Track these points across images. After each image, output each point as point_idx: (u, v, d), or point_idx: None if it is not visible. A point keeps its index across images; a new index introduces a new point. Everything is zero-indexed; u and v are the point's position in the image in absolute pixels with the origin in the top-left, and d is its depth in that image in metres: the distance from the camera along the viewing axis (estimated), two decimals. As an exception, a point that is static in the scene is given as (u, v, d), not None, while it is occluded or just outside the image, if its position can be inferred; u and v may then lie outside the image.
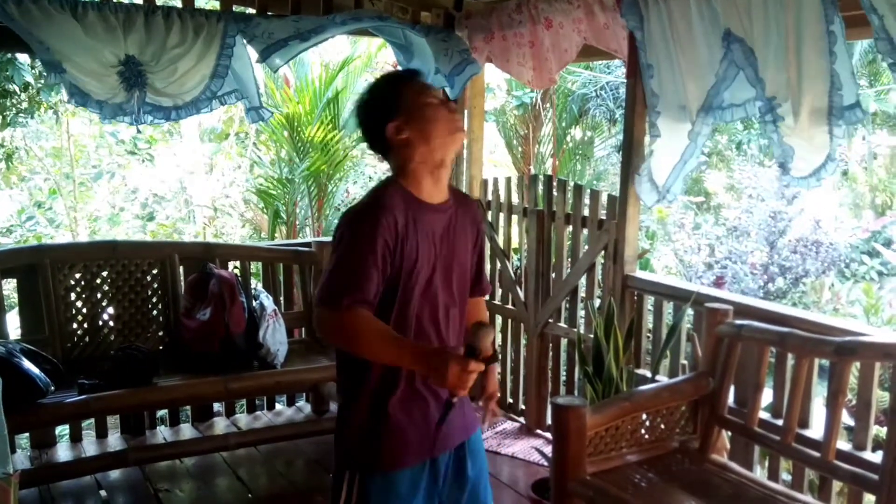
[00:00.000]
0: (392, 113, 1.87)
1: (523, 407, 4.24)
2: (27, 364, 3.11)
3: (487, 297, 2.15)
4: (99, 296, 3.80)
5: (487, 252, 3.37)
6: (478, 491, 2.06)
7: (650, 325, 3.56)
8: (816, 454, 2.45)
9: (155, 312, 3.92)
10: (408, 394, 1.89)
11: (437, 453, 1.95)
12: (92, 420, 4.00)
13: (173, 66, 3.40)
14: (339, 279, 1.78)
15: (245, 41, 3.54)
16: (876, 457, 2.42)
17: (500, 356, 2.29)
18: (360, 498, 1.89)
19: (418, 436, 1.90)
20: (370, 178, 9.04)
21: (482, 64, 4.13)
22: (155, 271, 3.92)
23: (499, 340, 2.27)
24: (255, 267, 4.97)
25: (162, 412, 4.38)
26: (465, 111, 4.44)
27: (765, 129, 2.64)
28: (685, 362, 3.28)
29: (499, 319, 4.33)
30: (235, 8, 3.68)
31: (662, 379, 3.14)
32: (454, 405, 1.74)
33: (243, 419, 4.32)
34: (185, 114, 3.54)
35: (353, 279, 1.76)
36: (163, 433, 4.11)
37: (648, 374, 3.21)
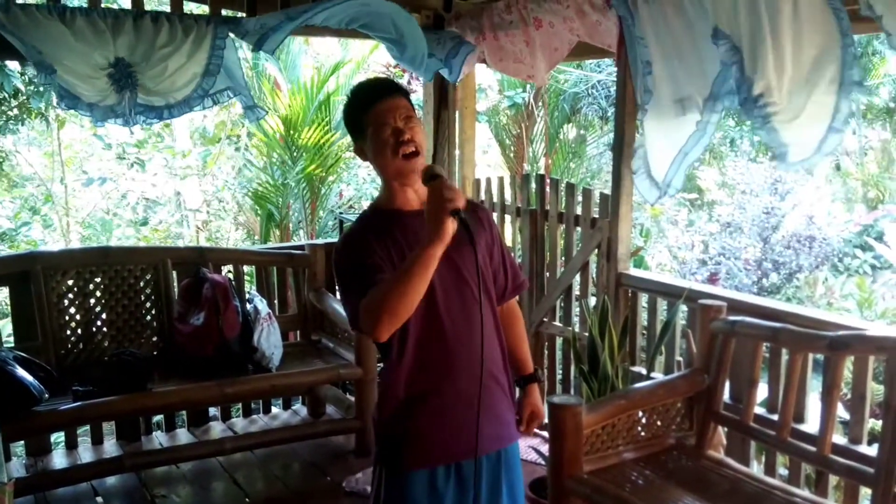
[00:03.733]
0: (357, 134, 1.97)
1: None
2: (21, 372, 3.10)
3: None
4: (92, 302, 3.79)
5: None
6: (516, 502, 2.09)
7: (645, 323, 3.56)
8: (812, 448, 2.46)
9: (149, 318, 3.91)
10: (432, 400, 1.94)
11: (462, 459, 1.96)
12: (87, 427, 3.98)
13: (163, 64, 3.38)
14: (350, 298, 1.88)
15: (238, 38, 3.53)
16: (872, 450, 2.42)
17: (542, 378, 2.32)
18: (384, 492, 1.99)
19: (439, 440, 1.95)
20: (363, 179, 9.03)
21: (475, 64, 4.12)
22: (148, 276, 3.90)
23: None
24: (249, 270, 4.96)
25: (157, 417, 4.37)
26: (457, 112, 4.44)
27: (754, 124, 2.62)
28: (680, 359, 3.28)
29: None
30: (224, 12, 3.67)
31: (658, 376, 3.14)
32: (464, 216, 1.74)
33: (239, 423, 4.31)
34: (177, 112, 3.52)
35: (359, 286, 1.83)
36: (158, 438, 4.09)
37: (644, 372, 3.21)
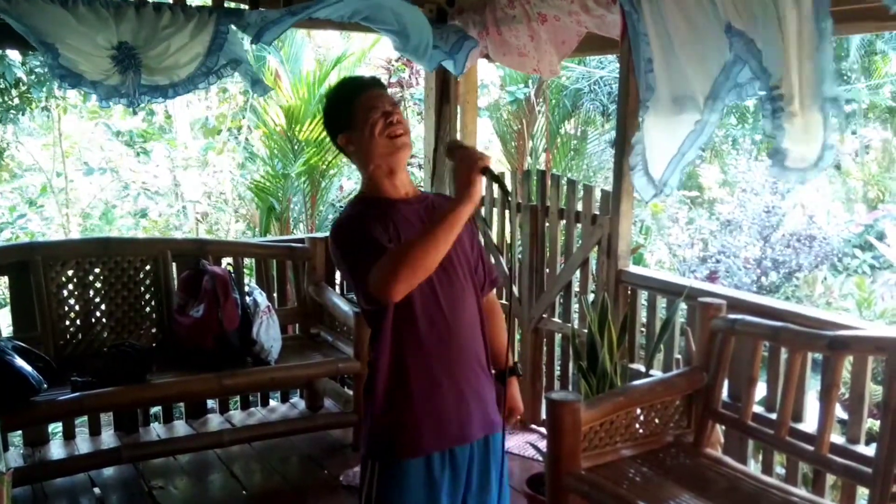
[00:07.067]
0: (342, 125, 2.00)
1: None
2: (20, 362, 3.10)
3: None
4: (91, 293, 3.78)
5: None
6: (501, 491, 2.12)
7: (644, 320, 3.56)
8: (810, 448, 2.46)
9: (148, 309, 3.91)
10: (424, 386, 1.94)
11: (455, 445, 1.98)
12: (85, 417, 3.98)
13: (166, 43, 3.36)
14: (359, 263, 1.84)
15: (239, 30, 3.53)
16: (869, 450, 2.43)
17: (521, 371, 2.34)
18: (377, 486, 1.98)
19: (432, 427, 1.95)
20: (364, 173, 9.00)
21: (477, 58, 4.11)
22: (148, 268, 3.90)
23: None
24: (249, 263, 4.97)
25: (155, 409, 4.37)
26: (459, 107, 4.43)
27: (765, 119, 2.61)
28: (679, 357, 3.28)
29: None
30: (227, 4, 3.65)
31: (656, 373, 3.14)
32: (496, 174, 1.81)
33: (237, 416, 4.31)
34: (182, 91, 3.49)
35: (368, 252, 1.82)
36: (156, 430, 4.10)
37: (642, 369, 3.22)
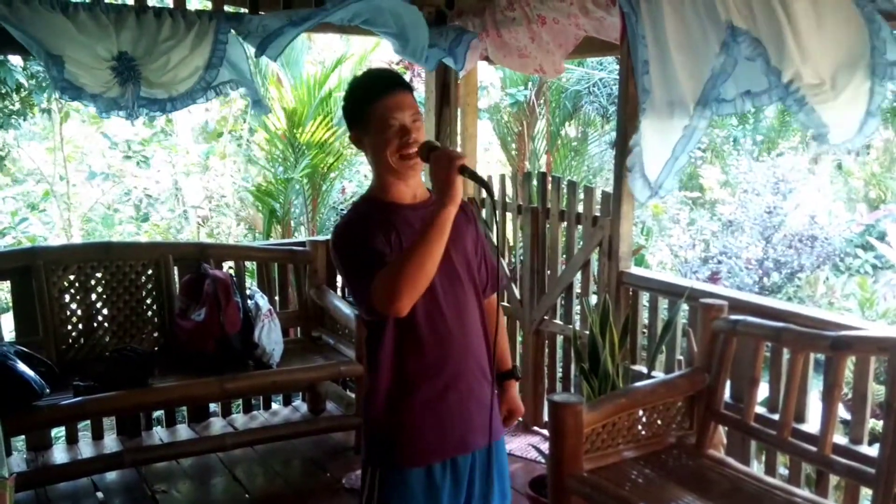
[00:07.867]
0: (357, 122, 1.93)
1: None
2: (22, 366, 3.10)
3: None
4: (93, 297, 3.79)
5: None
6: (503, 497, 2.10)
7: (646, 322, 3.56)
8: (813, 448, 2.46)
9: (150, 313, 3.91)
10: (426, 394, 1.92)
11: (457, 453, 1.96)
12: (88, 422, 3.98)
13: (166, 56, 3.37)
14: (360, 277, 1.83)
15: (241, 38, 3.53)
16: (872, 450, 2.42)
17: (519, 374, 2.32)
18: (377, 492, 1.95)
19: (435, 435, 1.93)
20: (365, 176, 9.02)
21: (477, 59, 4.11)
22: (149, 272, 3.91)
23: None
24: (250, 266, 4.97)
25: (158, 413, 4.37)
26: (459, 109, 4.43)
27: (791, 109, 2.59)
28: (681, 358, 3.28)
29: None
30: (227, 8, 3.66)
31: (658, 375, 3.14)
32: (473, 172, 1.79)
33: (240, 419, 4.31)
34: (180, 105, 3.51)
35: (369, 264, 1.80)
36: (159, 434, 4.10)
37: (644, 371, 3.21)
